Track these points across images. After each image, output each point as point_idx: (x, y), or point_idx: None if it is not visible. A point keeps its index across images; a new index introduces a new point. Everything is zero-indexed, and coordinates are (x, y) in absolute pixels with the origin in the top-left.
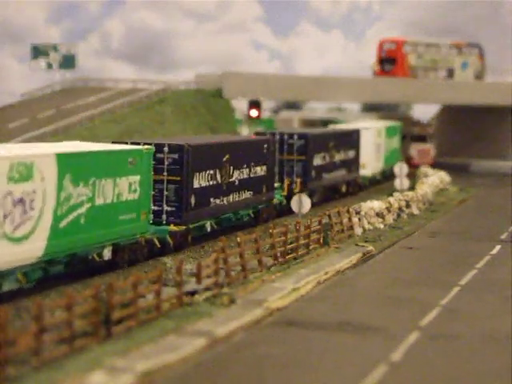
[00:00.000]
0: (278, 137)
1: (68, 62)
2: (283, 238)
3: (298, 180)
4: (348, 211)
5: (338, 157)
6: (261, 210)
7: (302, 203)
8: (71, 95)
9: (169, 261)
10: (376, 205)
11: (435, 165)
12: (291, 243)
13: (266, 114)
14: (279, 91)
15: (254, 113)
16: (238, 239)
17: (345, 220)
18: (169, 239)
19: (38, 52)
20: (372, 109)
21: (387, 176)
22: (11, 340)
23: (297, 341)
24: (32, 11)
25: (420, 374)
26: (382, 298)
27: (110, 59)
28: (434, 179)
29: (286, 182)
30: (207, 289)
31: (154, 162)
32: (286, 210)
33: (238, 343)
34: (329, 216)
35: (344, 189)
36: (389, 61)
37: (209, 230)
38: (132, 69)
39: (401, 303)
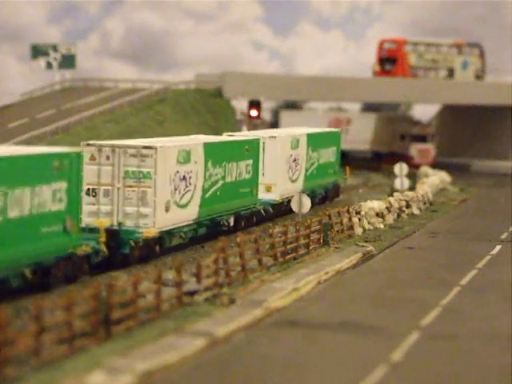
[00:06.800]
0: None
1: (68, 61)
2: (283, 237)
3: None
4: (348, 211)
5: None
6: None
7: (302, 203)
8: (71, 95)
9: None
10: (376, 205)
11: (435, 165)
12: (291, 243)
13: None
14: (279, 91)
15: (254, 113)
16: (238, 239)
17: (345, 220)
18: None
19: (37, 52)
20: (372, 108)
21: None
22: (11, 340)
23: (297, 341)
24: (32, 11)
25: (420, 374)
26: (382, 297)
27: (110, 59)
28: (434, 179)
29: None
30: (207, 289)
31: None
32: None
33: (238, 343)
34: (329, 216)
35: None
36: (389, 61)
37: None
38: (132, 69)
39: (401, 303)
